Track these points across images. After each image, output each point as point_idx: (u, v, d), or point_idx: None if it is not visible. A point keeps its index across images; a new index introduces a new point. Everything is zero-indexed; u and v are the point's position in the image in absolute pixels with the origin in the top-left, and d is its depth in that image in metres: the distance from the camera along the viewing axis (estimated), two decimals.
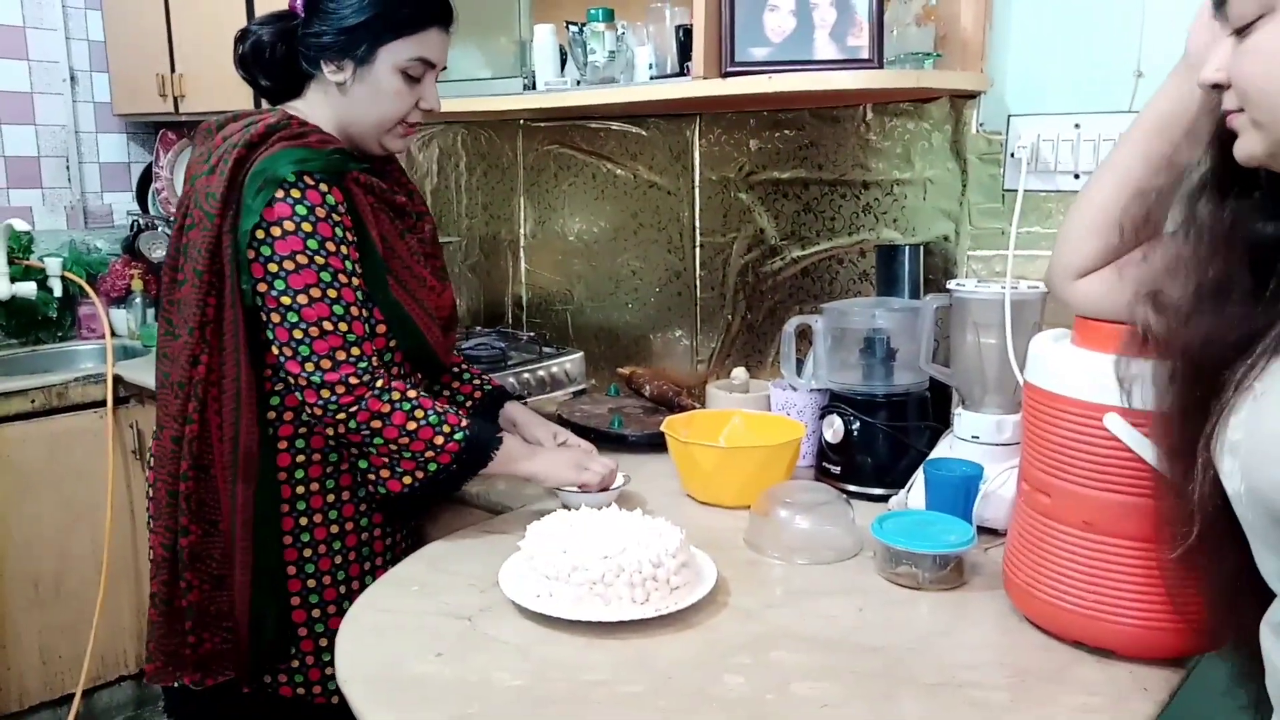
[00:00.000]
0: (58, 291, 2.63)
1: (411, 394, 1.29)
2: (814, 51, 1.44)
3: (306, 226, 1.25)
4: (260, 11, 2.31)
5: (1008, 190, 1.53)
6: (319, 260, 1.25)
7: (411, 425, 1.27)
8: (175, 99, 2.59)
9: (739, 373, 1.78)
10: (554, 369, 2.04)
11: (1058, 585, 1.01)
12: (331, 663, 1.36)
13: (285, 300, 1.25)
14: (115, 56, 2.82)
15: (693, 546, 1.18)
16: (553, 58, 1.81)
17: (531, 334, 2.23)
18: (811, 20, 1.45)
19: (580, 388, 2.07)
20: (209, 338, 1.32)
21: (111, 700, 2.53)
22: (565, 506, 1.32)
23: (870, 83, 1.43)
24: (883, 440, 1.48)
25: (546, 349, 2.12)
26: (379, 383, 1.27)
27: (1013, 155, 1.49)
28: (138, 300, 2.80)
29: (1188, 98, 0.90)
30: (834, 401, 1.53)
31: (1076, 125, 1.45)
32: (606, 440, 1.72)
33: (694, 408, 1.77)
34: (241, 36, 1.39)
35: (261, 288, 1.27)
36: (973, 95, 1.55)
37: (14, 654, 2.32)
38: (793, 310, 1.78)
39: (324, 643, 1.38)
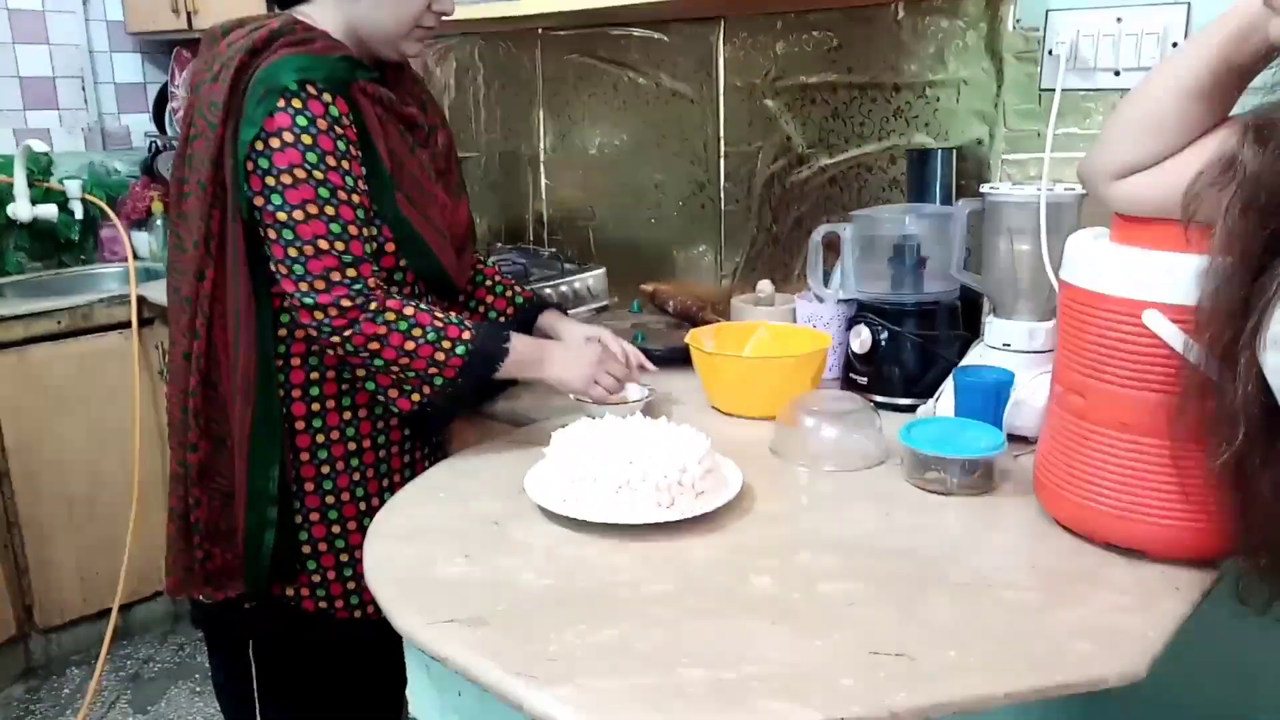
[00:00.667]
0: (79, 214, 2.63)
1: (409, 310, 1.25)
2: None
3: (306, 139, 1.21)
4: None
5: (1044, 90, 1.47)
6: (317, 175, 1.21)
7: (410, 345, 1.24)
8: (188, 15, 2.54)
9: (764, 286, 1.76)
10: (576, 285, 2.02)
11: (1090, 487, 1.00)
12: (353, 577, 1.38)
13: (281, 216, 1.21)
14: None
15: (718, 454, 1.17)
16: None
17: (553, 250, 2.21)
18: None
19: (603, 304, 2.05)
20: (214, 252, 1.29)
21: (149, 615, 2.61)
22: (590, 416, 1.32)
23: None
24: (911, 350, 1.45)
25: (568, 265, 2.10)
26: (373, 305, 1.23)
27: (1050, 52, 1.43)
28: (158, 222, 2.79)
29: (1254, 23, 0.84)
30: (862, 311, 1.50)
31: (1119, 19, 1.38)
32: None
33: (718, 322, 1.75)
34: None
35: (259, 201, 1.23)
36: None
37: (53, 571, 2.38)
38: (820, 221, 1.74)
39: (344, 558, 1.39)
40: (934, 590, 0.94)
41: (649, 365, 1.49)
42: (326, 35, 1.30)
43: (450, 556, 1.02)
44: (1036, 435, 1.13)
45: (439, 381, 1.27)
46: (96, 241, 2.80)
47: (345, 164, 1.24)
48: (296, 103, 1.21)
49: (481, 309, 1.57)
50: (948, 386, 1.34)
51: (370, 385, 1.32)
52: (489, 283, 1.58)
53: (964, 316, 1.49)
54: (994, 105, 1.56)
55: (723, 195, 1.97)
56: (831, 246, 1.57)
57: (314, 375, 1.35)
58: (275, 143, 1.21)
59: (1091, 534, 1.02)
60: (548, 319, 1.57)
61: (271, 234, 1.23)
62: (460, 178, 1.50)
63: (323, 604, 1.40)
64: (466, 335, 1.27)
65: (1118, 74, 1.40)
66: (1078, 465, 1.01)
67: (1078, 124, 1.43)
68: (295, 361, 1.34)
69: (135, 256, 2.58)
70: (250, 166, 1.22)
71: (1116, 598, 0.93)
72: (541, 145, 2.30)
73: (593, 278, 2.05)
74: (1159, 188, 0.92)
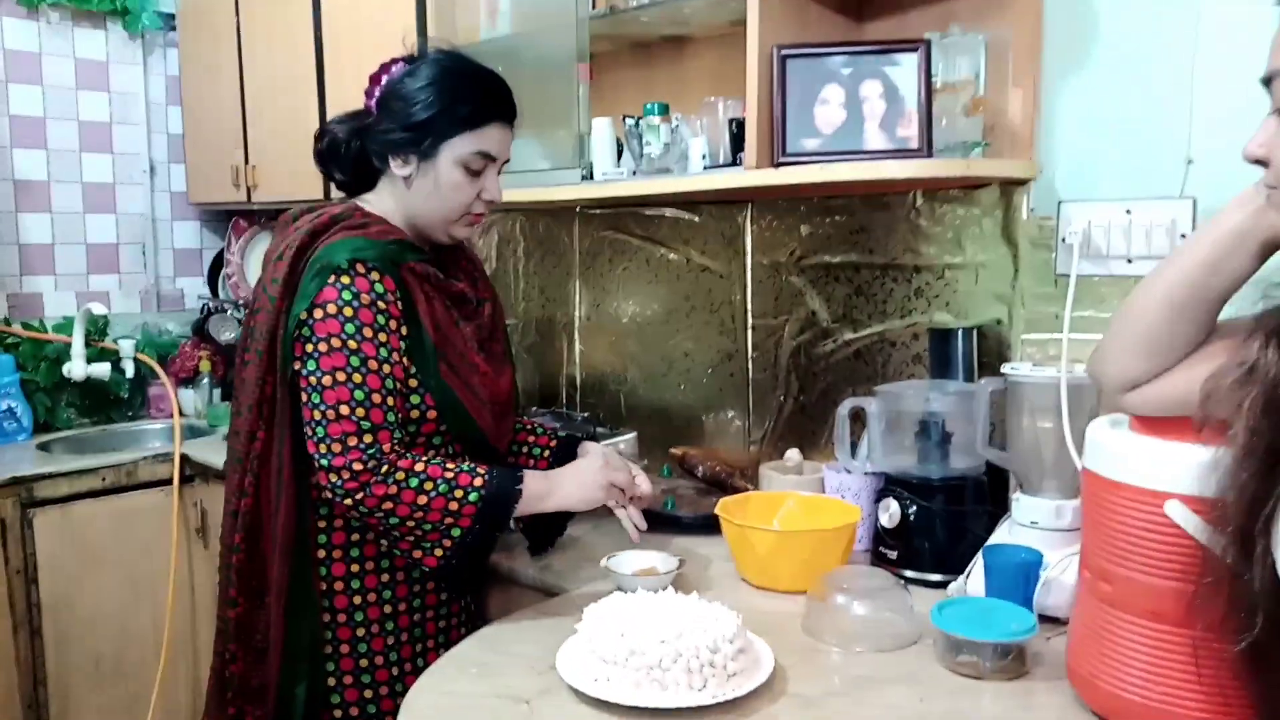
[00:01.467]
0: (130, 372, 2.74)
1: (419, 467, 1.29)
2: (864, 142, 1.49)
3: (348, 311, 1.30)
4: (331, 107, 2.44)
5: (1060, 275, 1.54)
6: (351, 344, 1.29)
7: (422, 499, 1.28)
8: (248, 189, 2.71)
9: (792, 454, 1.79)
10: (607, 449, 2.06)
11: (1122, 675, 1.00)
12: None
13: (313, 380, 1.29)
14: (192, 149, 2.98)
15: (749, 632, 1.18)
16: (610, 149, 1.87)
17: (586, 414, 2.26)
18: (861, 112, 1.49)
19: None
20: (264, 416, 1.37)
21: None
22: (620, 589, 1.33)
23: (919, 172, 1.46)
24: (940, 525, 1.47)
25: (600, 429, 2.15)
26: (384, 468, 1.28)
27: (1064, 240, 1.50)
28: (205, 381, 2.90)
29: (1240, 229, 0.93)
30: (890, 485, 1.52)
31: (1128, 211, 1.46)
32: (660, 521, 1.73)
33: (747, 489, 1.78)
34: (320, 134, 1.47)
35: (297, 365, 1.32)
36: (1023, 182, 1.58)
37: None
38: (845, 392, 1.79)
39: None
40: None
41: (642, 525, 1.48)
42: (383, 220, 1.41)
43: None
44: (1067, 615, 1.13)
45: (457, 532, 1.30)
46: (144, 399, 2.90)
47: (382, 336, 1.31)
48: (345, 279, 1.31)
49: (524, 449, 1.64)
50: (978, 563, 1.35)
51: (397, 550, 1.35)
52: (529, 427, 1.65)
53: (991, 490, 1.51)
54: (1011, 288, 1.62)
55: (751, 364, 2.03)
56: (858, 418, 1.61)
57: (354, 537, 1.39)
58: (319, 313, 1.30)
59: None
60: (586, 448, 1.60)
61: (304, 397, 1.31)
62: (506, 347, 1.57)
63: None
64: (478, 482, 1.31)
65: (1130, 261, 1.47)
66: (1108, 653, 1.01)
67: (1094, 307, 1.49)
68: (338, 523, 1.38)
69: (181, 414, 2.66)
70: (297, 334, 1.32)
71: None
72: (577, 313, 2.40)
73: (624, 441, 2.09)
74: (1166, 400, 0.98)
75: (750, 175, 1.56)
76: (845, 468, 1.61)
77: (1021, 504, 1.38)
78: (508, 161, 1.46)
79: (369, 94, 1.43)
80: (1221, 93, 1.39)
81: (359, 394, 1.29)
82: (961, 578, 1.39)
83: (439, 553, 1.32)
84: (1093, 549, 1.04)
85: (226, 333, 2.92)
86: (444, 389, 1.37)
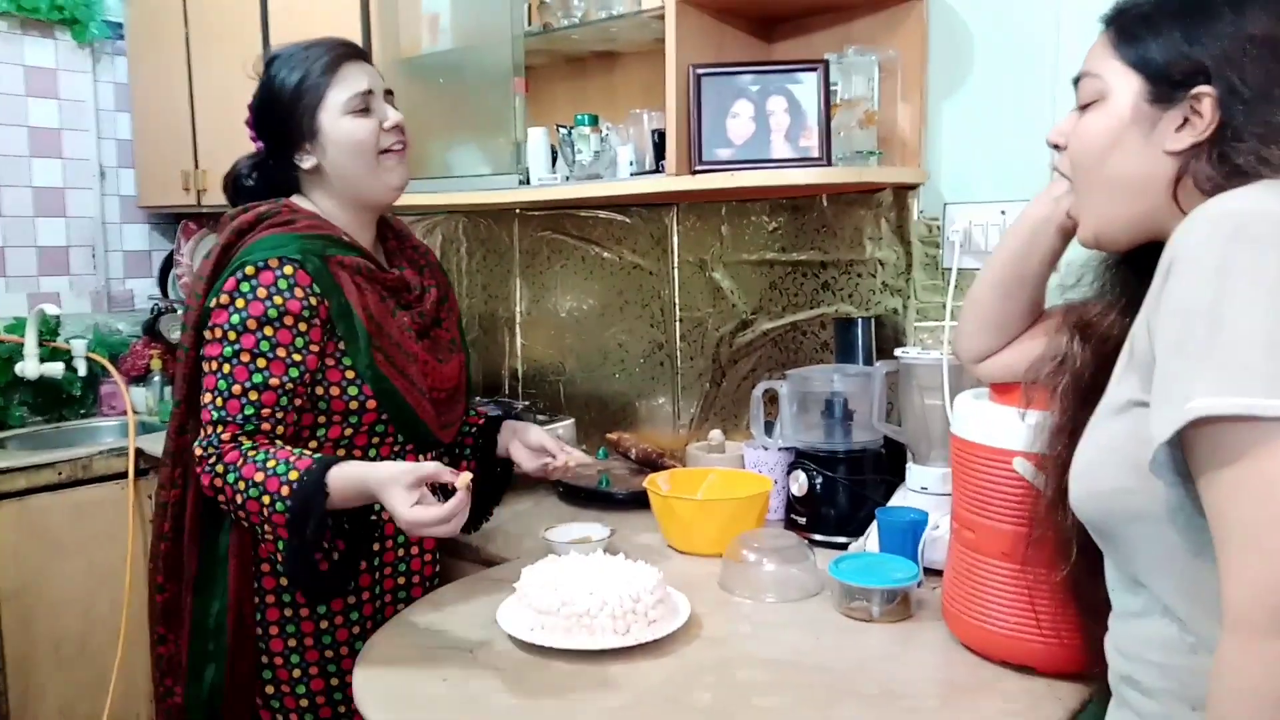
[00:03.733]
0: (82, 371, 2.80)
1: (242, 463, 1.28)
2: (771, 151, 1.65)
3: (239, 303, 1.32)
4: None
5: (945, 269, 1.72)
6: (230, 335, 1.32)
7: (239, 499, 1.28)
8: (199, 192, 2.80)
9: (716, 434, 1.95)
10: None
11: (984, 610, 1.17)
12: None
13: (203, 365, 1.35)
14: (142, 154, 3.04)
15: (670, 586, 1.33)
16: (544, 156, 2.00)
17: (526, 403, 2.40)
18: (768, 125, 1.65)
19: None
20: (190, 409, 1.42)
21: None
22: (556, 554, 1.47)
23: (821, 178, 1.63)
24: (843, 492, 1.64)
25: (540, 416, 2.29)
26: (212, 458, 1.30)
27: (948, 239, 1.68)
28: (156, 379, 2.97)
29: (1043, 216, 1.11)
30: (799, 458, 1.69)
31: (1003, 211, 1.64)
32: (595, 498, 1.89)
33: (675, 467, 1.93)
34: (226, 182, 1.53)
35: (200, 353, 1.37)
36: (913, 186, 1.76)
37: (36, 711, 2.42)
38: (763, 377, 1.96)
39: (305, 703, 1.44)
40: (849, 701, 1.10)
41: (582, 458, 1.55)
42: (314, 216, 1.42)
43: (430, 680, 1.16)
44: None
45: (280, 544, 1.27)
46: (96, 397, 2.97)
47: (268, 330, 1.32)
48: (249, 270, 1.33)
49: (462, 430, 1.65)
50: (874, 525, 1.52)
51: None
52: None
53: (890, 462, 1.69)
54: (905, 281, 1.80)
55: (679, 354, 2.19)
56: (773, 399, 1.77)
57: None
58: (213, 303, 1.34)
59: (989, 653, 1.18)
60: (507, 426, 1.65)
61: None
62: (457, 335, 1.59)
63: None
64: (285, 491, 1.25)
65: None
66: (973, 591, 1.19)
67: None
68: None
69: (134, 411, 2.74)
70: (205, 325, 1.35)
71: (1005, 705, 1.09)
72: (517, 309, 2.53)
73: (562, 427, 2.23)
74: (1009, 370, 1.16)
75: (672, 181, 1.71)
76: (762, 445, 1.77)
77: (913, 472, 1.55)
78: (390, 92, 1.47)
79: (252, 137, 1.49)
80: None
81: (222, 383, 1.32)
82: (861, 539, 1.56)
83: (280, 558, 1.30)
84: (960, 502, 1.22)
85: (176, 332, 2.99)
86: (379, 378, 1.38)
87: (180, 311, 3.04)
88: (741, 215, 2.04)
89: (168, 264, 3.16)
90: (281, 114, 1.42)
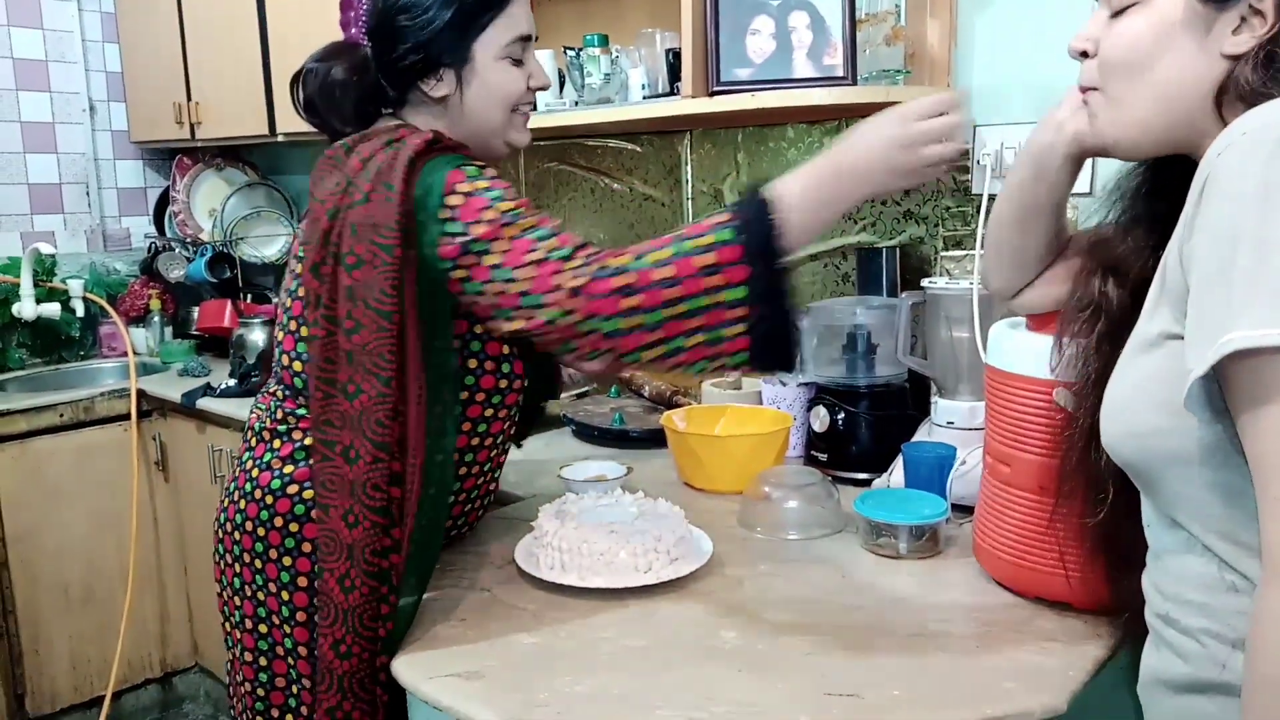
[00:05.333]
0: (80, 312, 2.75)
1: (623, 253, 1.06)
2: (793, 71, 1.57)
3: (482, 183, 1.11)
4: (274, 40, 2.44)
5: (975, 194, 1.65)
6: (503, 205, 1.09)
7: (662, 273, 1.02)
8: (192, 126, 2.71)
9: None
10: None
11: (1019, 546, 1.13)
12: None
13: (488, 261, 1.07)
14: (132, 86, 2.96)
15: (691, 525, 1.29)
16: (552, 80, 1.93)
17: None
18: (790, 42, 1.57)
19: (584, 389, 2.18)
20: (401, 388, 1.10)
21: (138, 703, 2.64)
22: (574, 493, 1.43)
23: (845, 98, 1.55)
24: (865, 428, 1.59)
25: None
26: (593, 266, 1.05)
27: (978, 162, 1.61)
28: (155, 319, 2.92)
29: (1047, 144, 1.02)
30: (820, 394, 1.64)
31: None
32: (610, 437, 1.84)
33: (690, 405, 1.89)
34: (302, 78, 1.23)
35: (461, 274, 1.09)
36: None
37: (46, 658, 2.42)
38: None
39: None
40: (881, 639, 1.06)
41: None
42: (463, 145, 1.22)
43: (448, 622, 1.13)
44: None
45: (740, 293, 1.02)
46: (96, 338, 2.92)
47: (520, 194, 1.15)
48: (470, 170, 1.12)
49: None
50: (899, 461, 1.47)
51: (699, 367, 1.07)
52: None
53: (914, 397, 1.64)
54: (931, 208, 1.73)
55: None
56: None
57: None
58: (455, 199, 1.09)
59: (1024, 590, 1.14)
60: None
61: (486, 292, 1.08)
62: None
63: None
64: (724, 218, 1.05)
65: None
66: (1008, 528, 1.14)
67: None
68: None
69: (134, 352, 2.69)
70: (441, 243, 1.09)
71: (1043, 643, 1.05)
72: None
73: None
74: (1042, 304, 1.09)
75: (687, 104, 1.64)
76: (780, 380, 1.72)
77: (939, 406, 1.50)
78: (537, 38, 1.27)
79: (347, 23, 1.23)
80: None
81: (539, 233, 1.08)
82: (885, 475, 1.52)
83: (739, 327, 1.04)
84: (994, 435, 1.17)
85: (175, 270, 2.93)
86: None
87: (179, 250, 2.97)
88: (759, 141, 1.96)
89: (163, 201, 3.09)
90: (430, 24, 1.17)
